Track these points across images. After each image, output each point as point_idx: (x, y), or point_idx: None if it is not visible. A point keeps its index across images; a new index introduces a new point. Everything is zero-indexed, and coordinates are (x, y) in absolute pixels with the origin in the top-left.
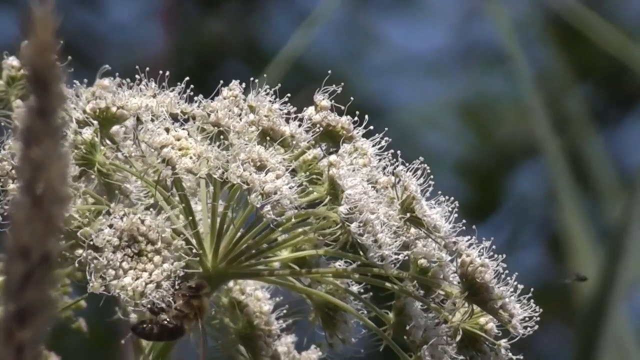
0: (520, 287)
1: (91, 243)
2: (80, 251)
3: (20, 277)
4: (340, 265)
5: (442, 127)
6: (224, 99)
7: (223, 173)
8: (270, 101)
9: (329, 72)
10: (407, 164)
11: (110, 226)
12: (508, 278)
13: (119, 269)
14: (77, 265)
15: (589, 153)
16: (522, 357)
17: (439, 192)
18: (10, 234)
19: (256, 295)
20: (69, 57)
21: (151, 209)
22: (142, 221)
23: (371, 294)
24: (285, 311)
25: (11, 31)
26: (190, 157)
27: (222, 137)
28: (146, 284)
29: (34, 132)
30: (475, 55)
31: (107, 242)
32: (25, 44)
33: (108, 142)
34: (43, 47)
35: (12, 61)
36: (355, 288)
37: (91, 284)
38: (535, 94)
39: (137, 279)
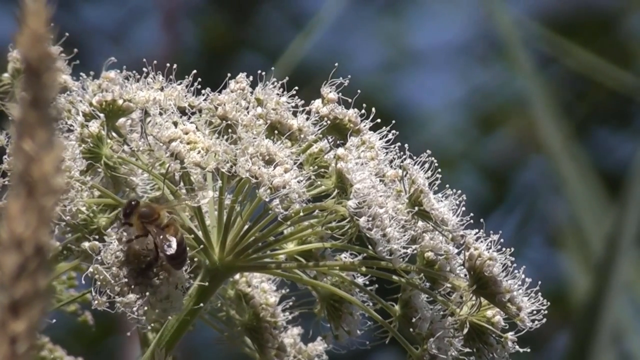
0: (528, 280)
1: (98, 258)
2: (86, 244)
3: (14, 269)
4: (345, 258)
5: (454, 123)
6: (231, 91)
7: (231, 167)
8: (277, 94)
9: (336, 64)
10: (414, 157)
11: (119, 240)
12: (516, 271)
13: (125, 285)
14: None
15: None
16: (528, 350)
17: (455, 190)
18: (4, 225)
19: (262, 288)
20: (75, 50)
21: None
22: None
23: (377, 286)
24: (291, 303)
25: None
26: (199, 151)
27: (230, 130)
28: (150, 301)
29: (27, 123)
30: (490, 52)
31: (115, 258)
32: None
33: (114, 135)
34: (35, 38)
35: (17, 54)
36: (360, 280)
37: (96, 301)
38: (540, 90)
39: (144, 293)
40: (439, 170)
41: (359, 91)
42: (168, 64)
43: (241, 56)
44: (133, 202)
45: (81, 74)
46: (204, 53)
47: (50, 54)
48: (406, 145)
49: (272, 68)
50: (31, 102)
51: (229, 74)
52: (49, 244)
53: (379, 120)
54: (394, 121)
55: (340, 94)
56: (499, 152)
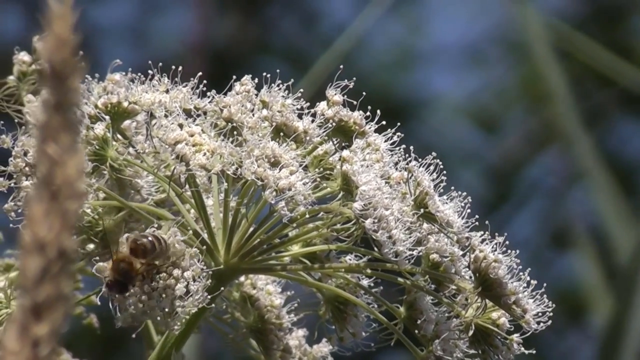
0: (534, 282)
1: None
2: (91, 246)
3: (37, 272)
4: (350, 260)
5: (462, 120)
6: (237, 94)
7: (237, 169)
8: (283, 96)
9: (341, 67)
10: (419, 160)
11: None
12: (521, 273)
13: (142, 295)
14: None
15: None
16: (534, 352)
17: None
18: (27, 228)
19: (267, 290)
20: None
21: (156, 225)
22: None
23: (381, 288)
24: (296, 305)
25: (20, 26)
26: (204, 154)
27: (235, 132)
28: (172, 300)
29: (50, 127)
30: (500, 50)
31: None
32: (37, 38)
33: (120, 137)
34: (60, 43)
35: (23, 56)
36: (365, 282)
37: (119, 321)
38: (565, 86)
39: (163, 297)
40: (445, 171)
41: (364, 93)
42: (173, 67)
43: (251, 57)
44: (109, 282)
45: (86, 76)
46: (217, 53)
47: (75, 59)
48: (411, 147)
49: (277, 70)
50: (55, 106)
51: (234, 77)
52: (72, 247)
53: (383, 123)
54: (399, 123)
55: (345, 96)
56: (506, 151)
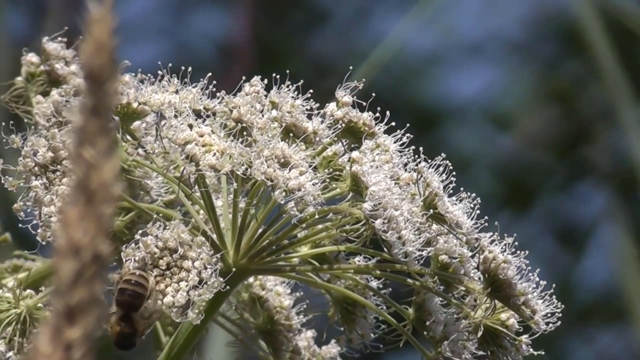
0: (543, 282)
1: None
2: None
3: (71, 275)
4: (359, 261)
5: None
6: (246, 94)
7: (247, 169)
8: (292, 97)
9: (350, 68)
10: (428, 161)
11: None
12: (530, 274)
13: (158, 293)
14: None
15: None
16: (542, 353)
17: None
18: (62, 232)
19: (276, 291)
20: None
21: (160, 222)
22: (157, 238)
23: (390, 289)
24: (305, 306)
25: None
26: (214, 154)
27: (244, 133)
28: (188, 291)
29: (87, 131)
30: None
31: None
32: (46, 39)
33: (129, 138)
34: (99, 47)
35: (32, 57)
36: (374, 283)
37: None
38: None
39: (178, 291)
40: (455, 172)
41: (373, 94)
42: (183, 67)
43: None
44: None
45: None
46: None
47: (113, 63)
48: (421, 148)
49: (287, 71)
50: (92, 110)
51: (243, 77)
52: (107, 251)
53: (393, 124)
54: (408, 124)
55: (354, 96)
56: (522, 151)
